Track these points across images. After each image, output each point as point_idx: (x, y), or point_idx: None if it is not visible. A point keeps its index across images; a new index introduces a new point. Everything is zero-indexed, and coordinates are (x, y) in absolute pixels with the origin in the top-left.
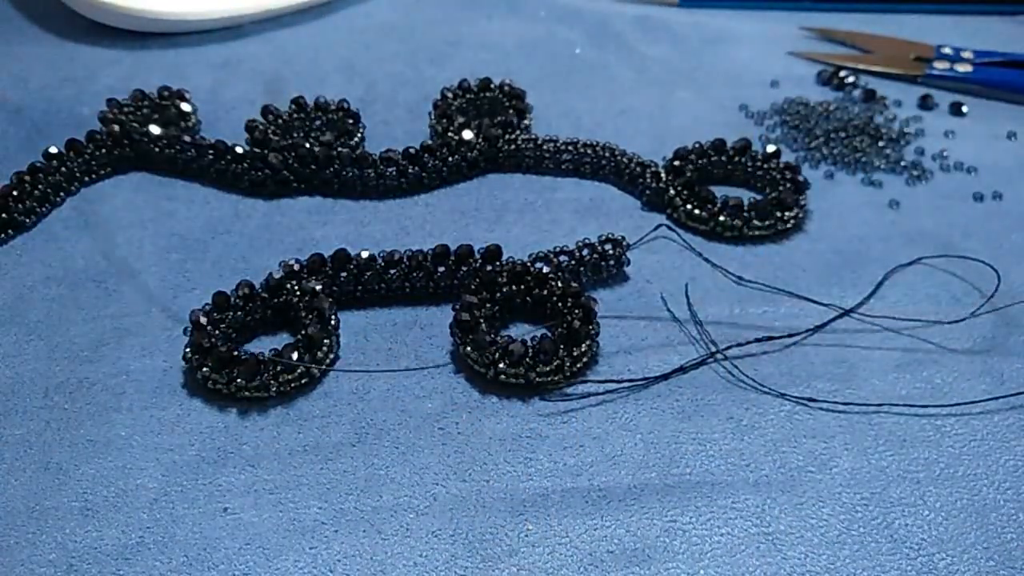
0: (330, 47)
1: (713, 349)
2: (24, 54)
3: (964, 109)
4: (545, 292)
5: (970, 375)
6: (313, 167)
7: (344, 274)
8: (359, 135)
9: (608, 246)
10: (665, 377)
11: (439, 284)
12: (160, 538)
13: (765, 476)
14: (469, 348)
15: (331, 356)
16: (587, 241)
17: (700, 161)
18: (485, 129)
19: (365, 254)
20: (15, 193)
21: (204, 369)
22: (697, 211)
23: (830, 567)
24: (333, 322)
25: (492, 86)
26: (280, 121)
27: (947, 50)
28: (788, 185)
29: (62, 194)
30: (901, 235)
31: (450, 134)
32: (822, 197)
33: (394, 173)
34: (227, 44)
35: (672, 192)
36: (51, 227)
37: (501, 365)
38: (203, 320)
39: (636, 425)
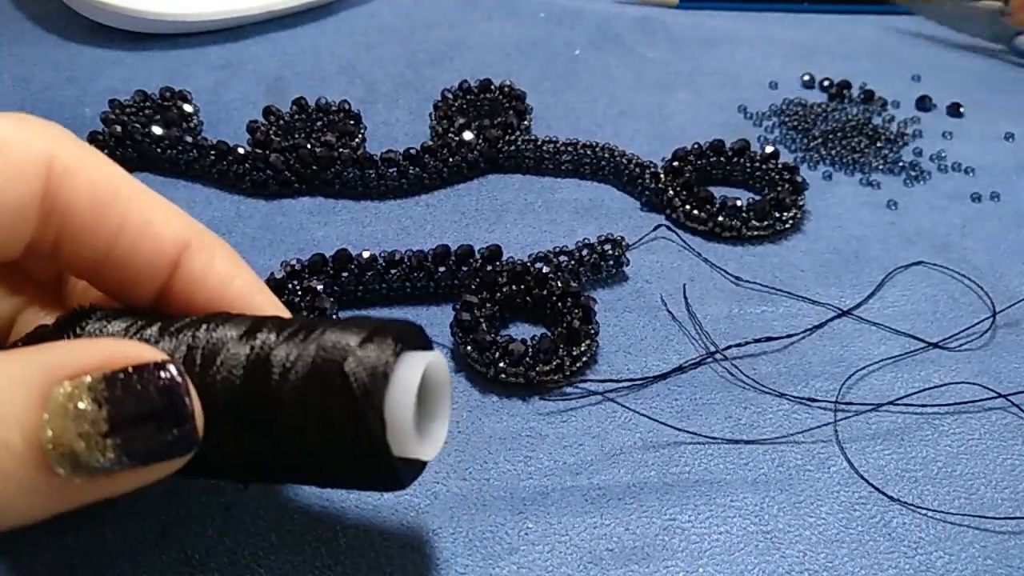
0: (331, 48)
1: (712, 349)
2: (26, 55)
3: (962, 110)
4: (545, 292)
5: (967, 374)
6: (314, 168)
7: (345, 274)
8: (360, 136)
9: (607, 246)
10: (664, 376)
11: (440, 284)
12: (160, 538)
13: (763, 475)
14: (470, 347)
15: None
16: (587, 241)
17: (699, 162)
18: (485, 130)
19: (366, 254)
20: None
21: None
22: (696, 211)
23: (828, 565)
24: None
25: (492, 87)
26: (282, 122)
27: None
28: (786, 186)
29: None
30: (899, 235)
31: (450, 135)
32: (820, 197)
33: (395, 174)
34: (228, 45)
35: (671, 192)
36: None
37: (501, 364)
38: None
39: (635, 424)
